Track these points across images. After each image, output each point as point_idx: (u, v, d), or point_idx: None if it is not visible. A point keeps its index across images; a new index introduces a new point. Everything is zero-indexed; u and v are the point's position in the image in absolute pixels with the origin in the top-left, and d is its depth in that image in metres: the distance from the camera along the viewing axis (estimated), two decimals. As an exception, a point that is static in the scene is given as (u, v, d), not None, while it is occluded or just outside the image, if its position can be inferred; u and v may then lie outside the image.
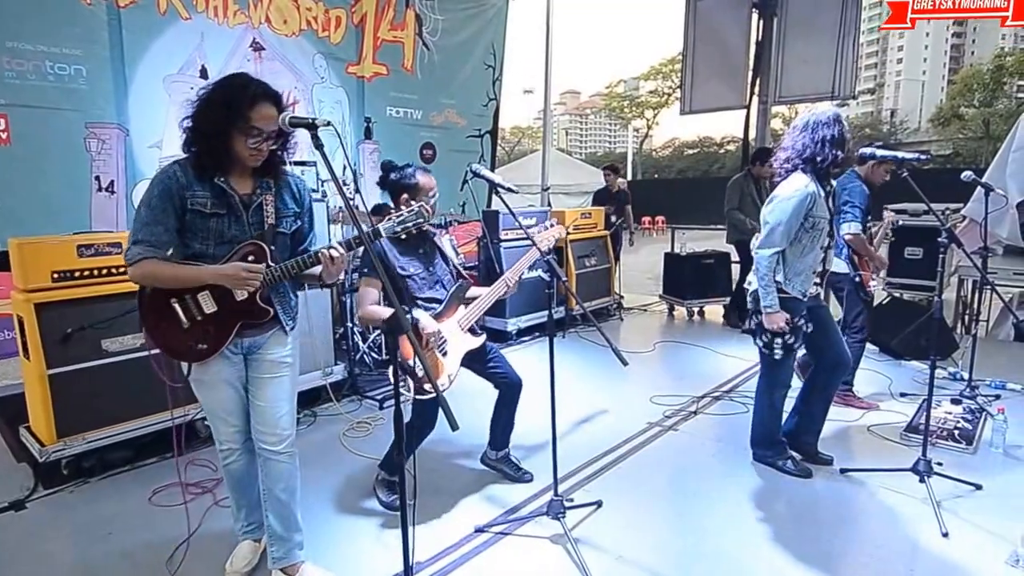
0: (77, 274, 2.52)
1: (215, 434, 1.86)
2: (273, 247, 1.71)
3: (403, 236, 2.26)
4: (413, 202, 2.22)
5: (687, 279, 5.74)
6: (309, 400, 3.45)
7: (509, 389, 2.48)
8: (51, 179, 3.66)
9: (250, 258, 1.66)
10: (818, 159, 2.35)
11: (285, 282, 1.78)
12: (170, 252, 1.61)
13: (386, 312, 2.10)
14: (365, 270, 2.23)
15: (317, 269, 1.73)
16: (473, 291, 2.44)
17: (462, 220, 5.27)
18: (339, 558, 2.07)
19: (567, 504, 2.24)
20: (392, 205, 2.36)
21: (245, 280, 1.62)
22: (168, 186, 1.60)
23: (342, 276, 1.79)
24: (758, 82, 6.30)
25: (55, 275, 2.47)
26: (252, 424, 1.82)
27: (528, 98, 20.46)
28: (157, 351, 1.72)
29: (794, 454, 2.66)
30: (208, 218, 1.63)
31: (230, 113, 1.56)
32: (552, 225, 2.48)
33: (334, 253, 1.67)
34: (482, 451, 2.68)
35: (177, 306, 1.65)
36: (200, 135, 1.60)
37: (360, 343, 4.06)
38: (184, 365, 1.76)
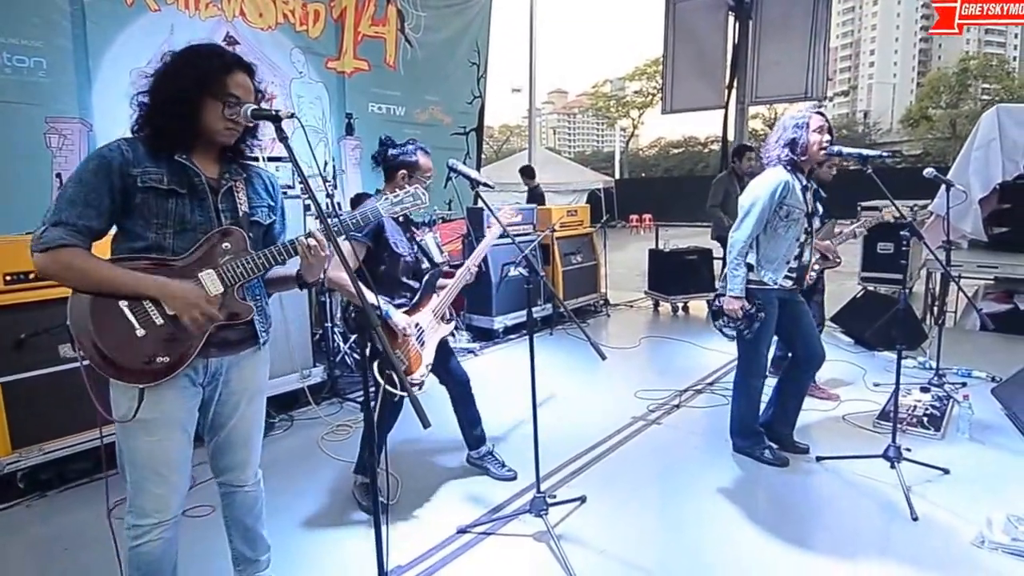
0: (32, 276, 2.37)
1: (140, 500, 1.40)
2: (251, 235, 1.48)
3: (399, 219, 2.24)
4: (411, 180, 2.16)
5: (671, 275, 5.81)
6: (286, 404, 3.36)
7: (457, 385, 2.49)
8: (8, 176, 3.51)
9: (224, 245, 1.41)
10: (770, 154, 2.51)
11: (258, 282, 1.55)
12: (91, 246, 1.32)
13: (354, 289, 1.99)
14: (358, 235, 2.12)
15: (291, 268, 1.54)
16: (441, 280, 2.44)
17: (448, 218, 5.24)
18: (318, 566, 2.03)
19: (550, 501, 2.24)
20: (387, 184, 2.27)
21: (193, 311, 1.32)
22: (108, 161, 1.31)
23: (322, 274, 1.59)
24: (735, 83, 6.42)
25: (8, 277, 2.34)
26: (215, 462, 1.59)
27: (517, 97, 20.47)
28: (87, 363, 1.32)
29: (772, 444, 2.72)
30: (166, 197, 1.35)
31: (203, 79, 1.35)
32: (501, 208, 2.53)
33: (312, 242, 1.43)
34: (463, 449, 2.65)
35: (128, 310, 1.32)
36: (165, 105, 1.35)
37: (341, 344, 3.99)
38: (125, 402, 1.36)
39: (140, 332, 1.32)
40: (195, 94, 1.36)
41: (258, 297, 1.55)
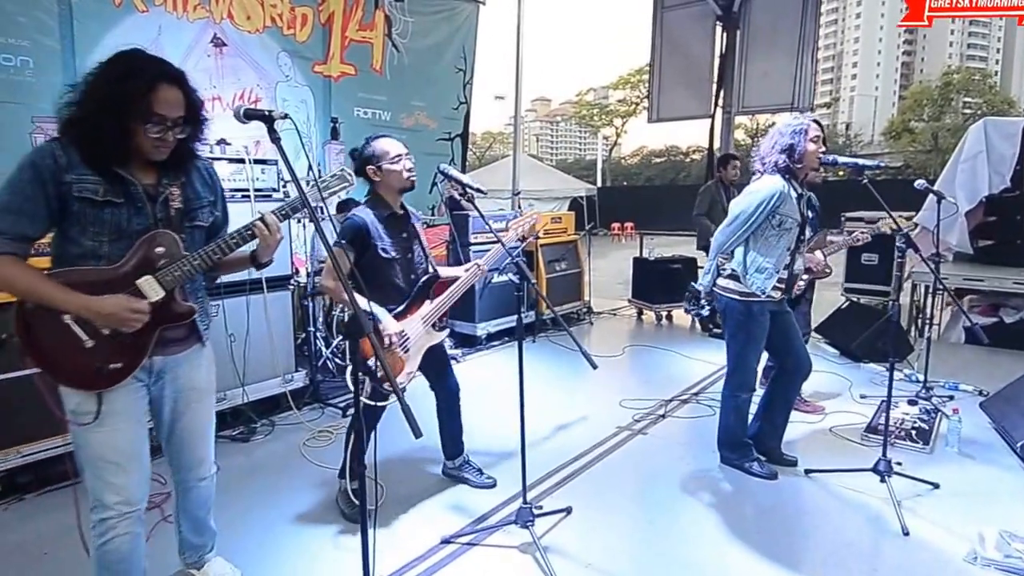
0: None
1: (100, 493, 1.44)
2: (184, 236, 1.49)
3: (386, 214, 2.21)
4: (382, 170, 2.17)
5: (655, 283, 5.82)
6: (267, 408, 3.30)
7: (448, 396, 2.45)
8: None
9: (158, 249, 1.42)
10: (766, 160, 2.46)
11: (200, 279, 1.59)
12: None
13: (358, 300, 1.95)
14: (343, 241, 2.09)
15: (247, 249, 1.57)
16: (446, 271, 2.38)
17: (432, 223, 5.19)
18: (298, 574, 1.97)
19: (536, 512, 2.19)
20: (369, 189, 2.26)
21: (127, 321, 1.36)
22: (40, 170, 1.32)
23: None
24: (722, 92, 6.48)
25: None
26: (176, 460, 1.67)
27: (500, 104, 20.63)
28: (38, 370, 1.39)
29: (760, 456, 2.69)
30: (101, 208, 1.36)
31: (126, 102, 1.32)
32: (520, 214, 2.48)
33: (269, 220, 1.49)
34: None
35: (72, 322, 1.35)
36: (90, 129, 1.34)
37: (323, 348, 3.92)
38: (75, 397, 1.40)
39: (89, 343, 1.37)
40: (121, 119, 1.34)
41: (199, 297, 1.60)
